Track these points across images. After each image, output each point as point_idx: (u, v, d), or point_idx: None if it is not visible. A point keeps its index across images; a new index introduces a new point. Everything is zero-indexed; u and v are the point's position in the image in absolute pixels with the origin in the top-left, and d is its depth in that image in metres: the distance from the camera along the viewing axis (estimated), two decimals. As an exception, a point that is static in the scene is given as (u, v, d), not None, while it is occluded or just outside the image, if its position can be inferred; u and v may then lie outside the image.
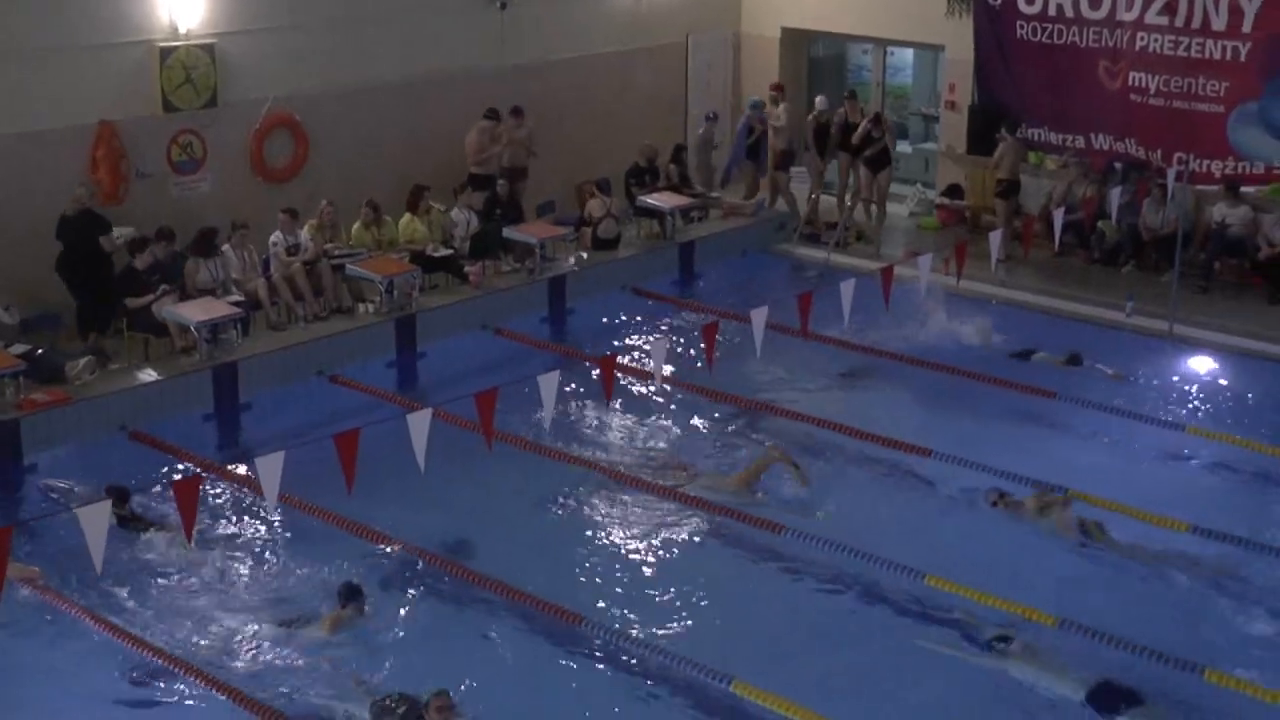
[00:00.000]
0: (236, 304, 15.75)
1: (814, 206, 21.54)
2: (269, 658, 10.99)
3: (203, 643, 11.17)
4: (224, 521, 13.05)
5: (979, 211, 21.47)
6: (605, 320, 18.28)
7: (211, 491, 13.33)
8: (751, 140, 21.88)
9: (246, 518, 13.08)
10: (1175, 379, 16.33)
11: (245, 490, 13.32)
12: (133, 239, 15.89)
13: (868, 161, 20.81)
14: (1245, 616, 11.61)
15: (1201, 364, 16.67)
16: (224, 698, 10.34)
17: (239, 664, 10.91)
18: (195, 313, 15.35)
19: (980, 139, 21.18)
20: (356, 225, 17.55)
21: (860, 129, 20.69)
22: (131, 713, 10.57)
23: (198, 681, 10.56)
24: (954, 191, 21.99)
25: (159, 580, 12.06)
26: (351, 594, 11.32)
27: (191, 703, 10.52)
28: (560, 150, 20.74)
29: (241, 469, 13.73)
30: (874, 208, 21.10)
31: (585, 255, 19.10)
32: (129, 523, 12.57)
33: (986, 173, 21.02)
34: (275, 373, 15.66)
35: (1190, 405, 15.59)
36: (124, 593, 11.79)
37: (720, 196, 21.66)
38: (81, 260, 15.77)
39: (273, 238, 16.74)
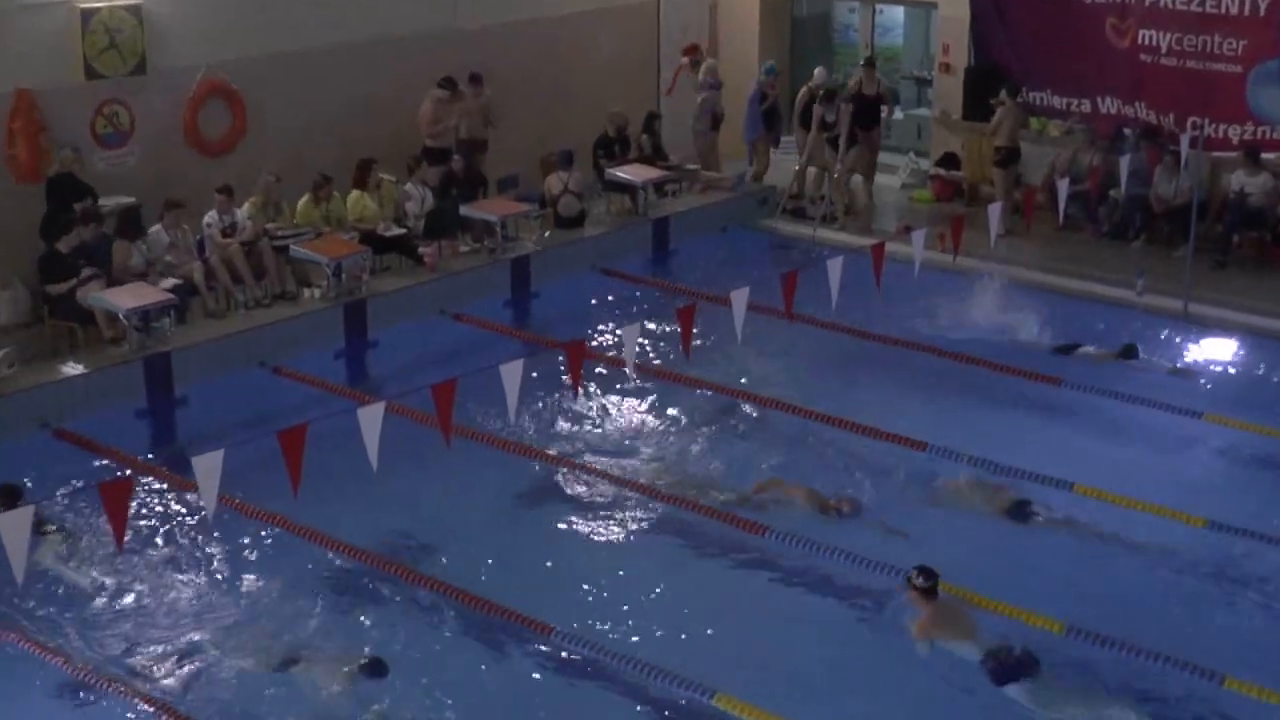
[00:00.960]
0: (170, 289, 15.64)
1: (800, 179, 21.54)
2: (200, 674, 10.95)
3: (127, 659, 11.12)
4: (156, 527, 12.96)
5: (977, 183, 21.50)
6: (572, 304, 18.23)
7: (143, 495, 13.23)
8: (765, 106, 21.87)
9: (181, 523, 12.99)
10: (1190, 362, 16.36)
11: (181, 493, 13.23)
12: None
13: (857, 119, 20.82)
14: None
15: (1219, 346, 16.70)
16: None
17: (167, 679, 10.85)
18: (125, 299, 15.24)
19: (977, 104, 21.19)
20: (303, 201, 17.46)
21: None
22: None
23: (131, 701, 10.50)
24: (949, 161, 22.01)
25: (79, 593, 11.98)
26: (376, 670, 10.81)
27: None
28: (522, 121, 20.68)
29: (176, 469, 13.65)
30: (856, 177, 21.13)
31: (548, 234, 19.06)
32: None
33: (984, 140, 21.03)
34: (213, 364, 15.58)
35: (1207, 390, 15.62)
36: (38, 605, 11.72)
37: (697, 168, 21.63)
38: (59, 229, 15.79)
39: (207, 218, 16.64)
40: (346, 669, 10.67)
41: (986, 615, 11.28)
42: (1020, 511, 13.00)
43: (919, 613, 11.02)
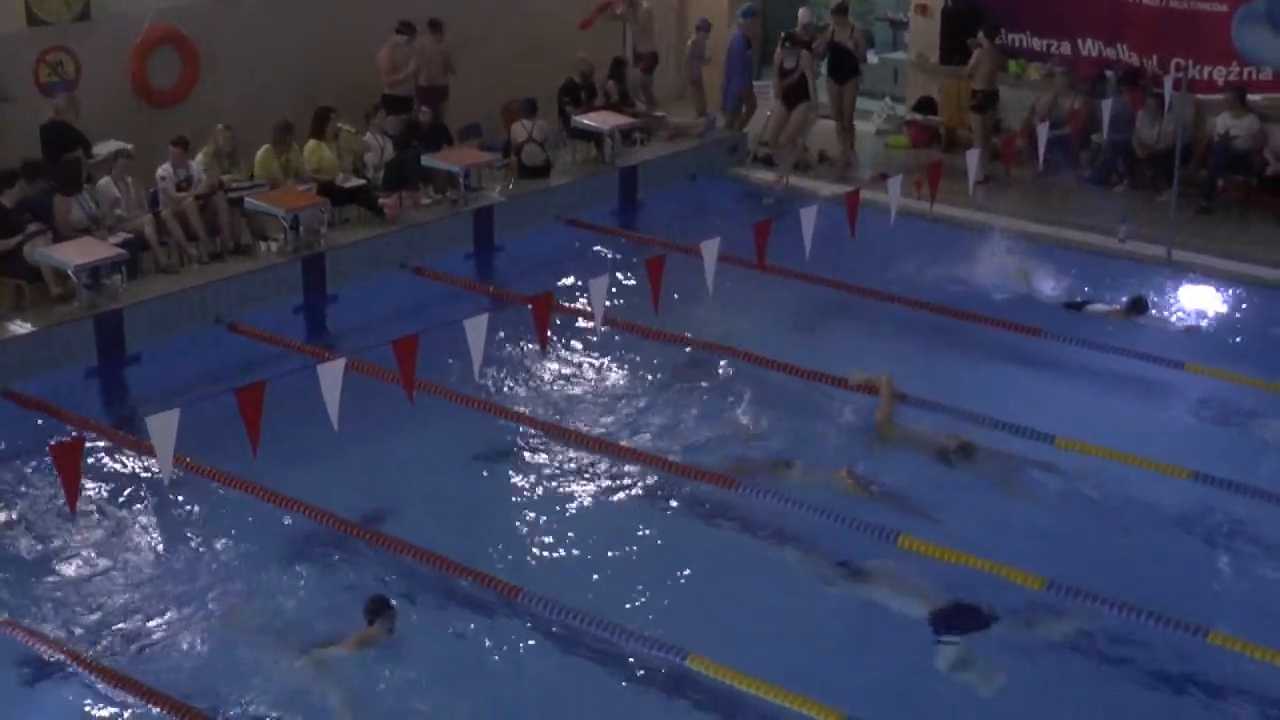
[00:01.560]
0: (120, 244, 15.59)
1: (775, 127, 21.52)
2: (152, 641, 10.99)
3: (77, 627, 11.14)
4: (110, 490, 12.96)
5: (954, 128, 21.54)
6: (538, 256, 18.22)
7: (96, 456, 13.23)
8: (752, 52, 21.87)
9: (135, 485, 12.99)
10: (1174, 310, 16.47)
11: (135, 454, 13.23)
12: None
13: (832, 71, 20.80)
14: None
15: (1203, 293, 16.81)
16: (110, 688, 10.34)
17: (117, 646, 10.88)
18: (73, 255, 15.18)
19: (955, 47, 21.24)
20: (262, 151, 17.39)
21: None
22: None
23: (88, 672, 10.53)
24: (926, 106, 22.05)
25: (28, 559, 12.00)
26: (379, 609, 10.73)
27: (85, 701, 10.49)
28: (485, 67, 20.62)
29: (130, 430, 13.64)
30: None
31: (512, 185, 19.04)
32: None
33: (961, 85, 21.07)
34: (166, 321, 15.55)
35: (1190, 339, 15.73)
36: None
37: (665, 115, 21.62)
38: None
39: (160, 171, 16.55)
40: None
41: (966, 571, 11.39)
42: (964, 452, 13.15)
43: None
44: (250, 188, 16.94)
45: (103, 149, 16.62)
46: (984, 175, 18.32)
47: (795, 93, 20.48)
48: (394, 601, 10.79)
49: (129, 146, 16.71)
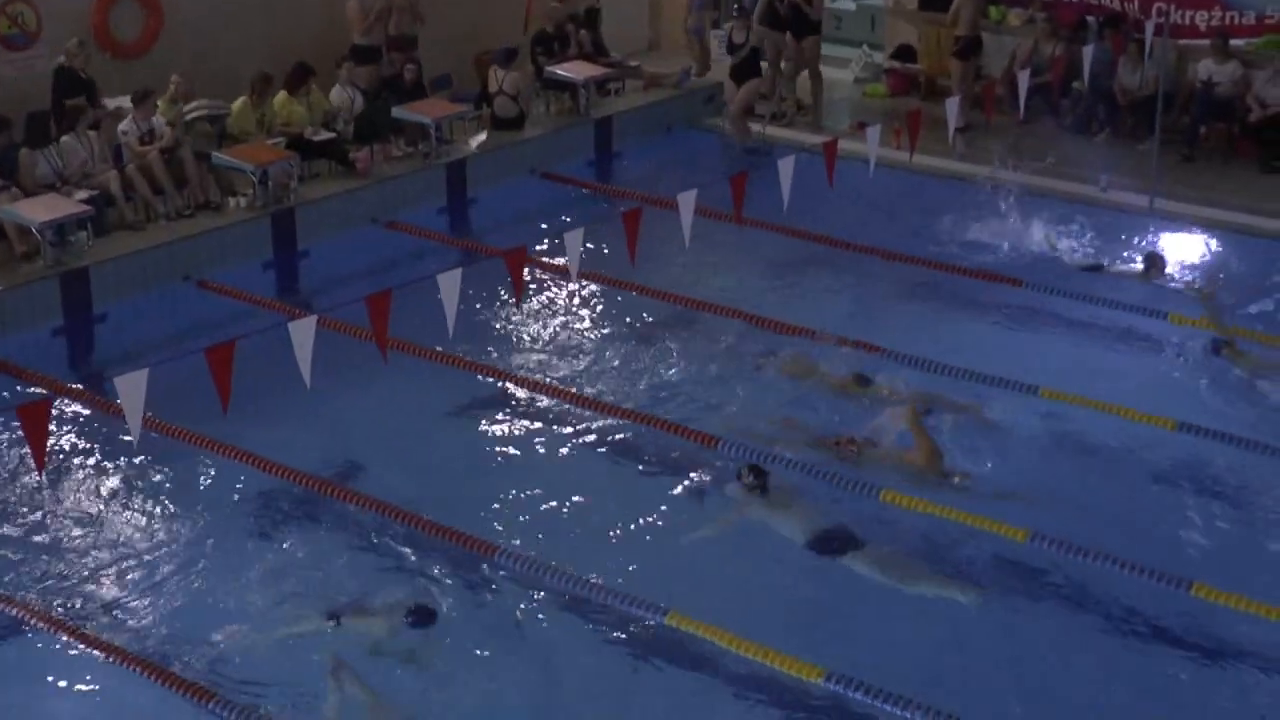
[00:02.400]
0: (86, 200, 15.49)
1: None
2: (122, 605, 10.96)
3: (46, 591, 11.10)
4: (78, 451, 12.92)
5: (934, 76, 21.49)
6: (512, 209, 18.18)
7: (64, 417, 13.17)
8: None
9: (105, 446, 12.94)
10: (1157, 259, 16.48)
11: (103, 414, 13.18)
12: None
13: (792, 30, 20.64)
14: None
15: (1186, 242, 16.81)
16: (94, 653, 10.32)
17: (92, 611, 10.86)
18: (37, 211, 15.08)
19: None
20: (239, 103, 17.29)
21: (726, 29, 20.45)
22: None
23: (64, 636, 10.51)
24: (905, 54, 22.00)
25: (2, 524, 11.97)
26: (424, 618, 10.53)
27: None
28: (455, 16, 20.49)
29: (98, 390, 13.58)
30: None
31: (485, 136, 18.95)
32: None
33: (941, 31, 21.01)
34: (134, 278, 15.47)
35: (1174, 289, 15.75)
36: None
37: (639, 65, 21.53)
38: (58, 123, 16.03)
39: (122, 126, 16.44)
40: (388, 622, 10.52)
41: (947, 524, 11.42)
42: (861, 384, 13.44)
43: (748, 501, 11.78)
44: (214, 112, 16.84)
45: (116, 101, 16.68)
46: (964, 123, 18.27)
47: (744, 69, 20.27)
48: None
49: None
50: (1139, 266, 16.03)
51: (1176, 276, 15.98)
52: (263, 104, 17.34)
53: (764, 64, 20.57)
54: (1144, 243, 16.72)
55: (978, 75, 20.47)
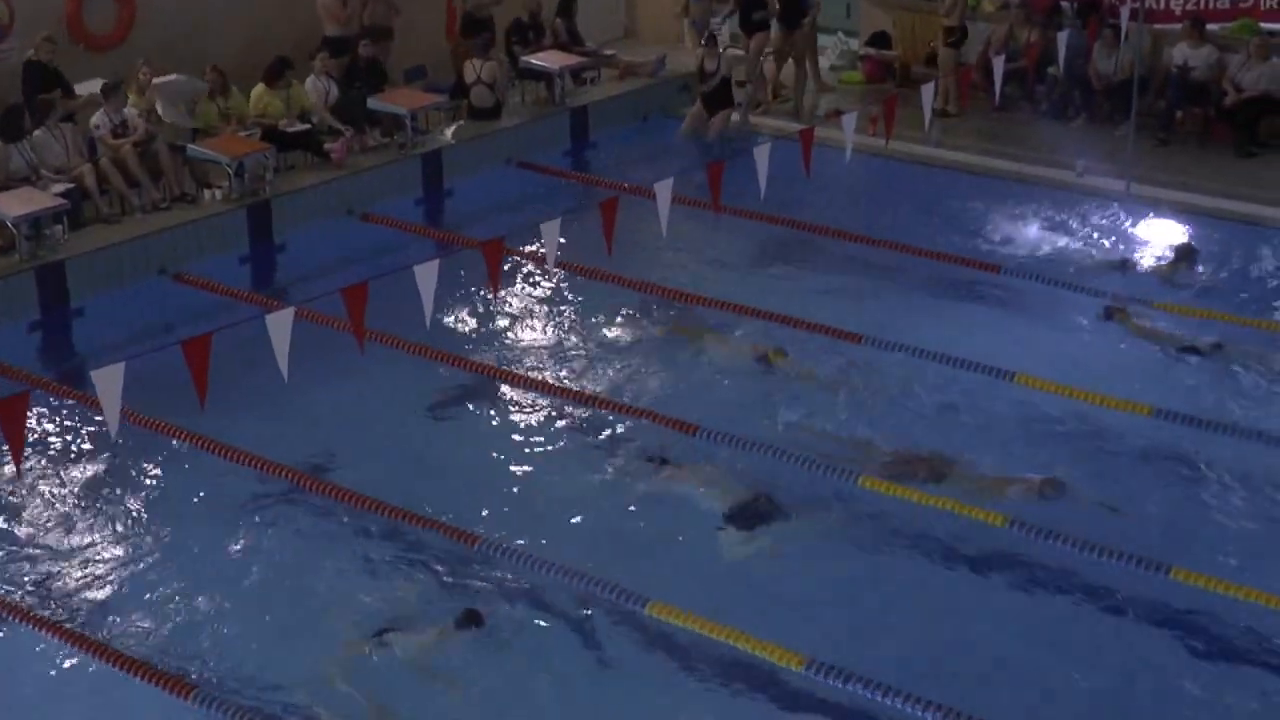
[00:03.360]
0: (61, 194, 15.46)
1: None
2: (99, 601, 10.98)
3: (18, 590, 11.08)
4: (56, 446, 12.91)
5: (909, 63, 21.50)
6: (488, 200, 18.19)
7: (41, 412, 13.16)
8: None
9: (83, 440, 12.94)
10: (1134, 245, 16.54)
11: (81, 408, 13.17)
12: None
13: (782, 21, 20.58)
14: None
15: (1162, 227, 16.87)
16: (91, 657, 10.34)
17: (75, 609, 10.86)
18: (12, 205, 15.06)
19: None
20: (202, 99, 17.27)
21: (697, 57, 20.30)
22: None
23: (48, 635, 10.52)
24: (880, 40, 22.01)
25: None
26: (470, 620, 10.41)
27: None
28: (430, 6, 20.47)
29: (75, 384, 13.57)
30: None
31: (460, 125, 18.94)
32: None
33: (916, 18, 21.02)
34: (110, 272, 15.46)
35: (1151, 275, 15.82)
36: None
37: (615, 54, 21.53)
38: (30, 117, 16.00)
39: (95, 119, 16.41)
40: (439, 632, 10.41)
41: (928, 511, 11.48)
42: (764, 360, 13.81)
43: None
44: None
45: (86, 89, 16.67)
46: (943, 106, 18.31)
47: (716, 97, 20.00)
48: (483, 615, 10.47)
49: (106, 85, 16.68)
50: (1168, 260, 15.93)
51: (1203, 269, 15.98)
52: (224, 96, 17.32)
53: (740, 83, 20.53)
54: (1122, 228, 16.77)
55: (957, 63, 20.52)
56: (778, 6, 20.53)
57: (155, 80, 17.10)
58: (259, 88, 17.66)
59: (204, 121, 17.15)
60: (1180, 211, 17.11)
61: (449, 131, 18.71)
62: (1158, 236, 16.68)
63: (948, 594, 10.93)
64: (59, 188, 15.60)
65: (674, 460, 12.31)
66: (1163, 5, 19.56)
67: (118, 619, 10.72)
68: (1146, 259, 16.23)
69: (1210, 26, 19.15)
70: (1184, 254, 15.94)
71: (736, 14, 20.60)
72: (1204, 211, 17.06)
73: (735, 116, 20.14)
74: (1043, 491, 11.72)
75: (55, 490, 12.31)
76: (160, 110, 17.18)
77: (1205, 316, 14.53)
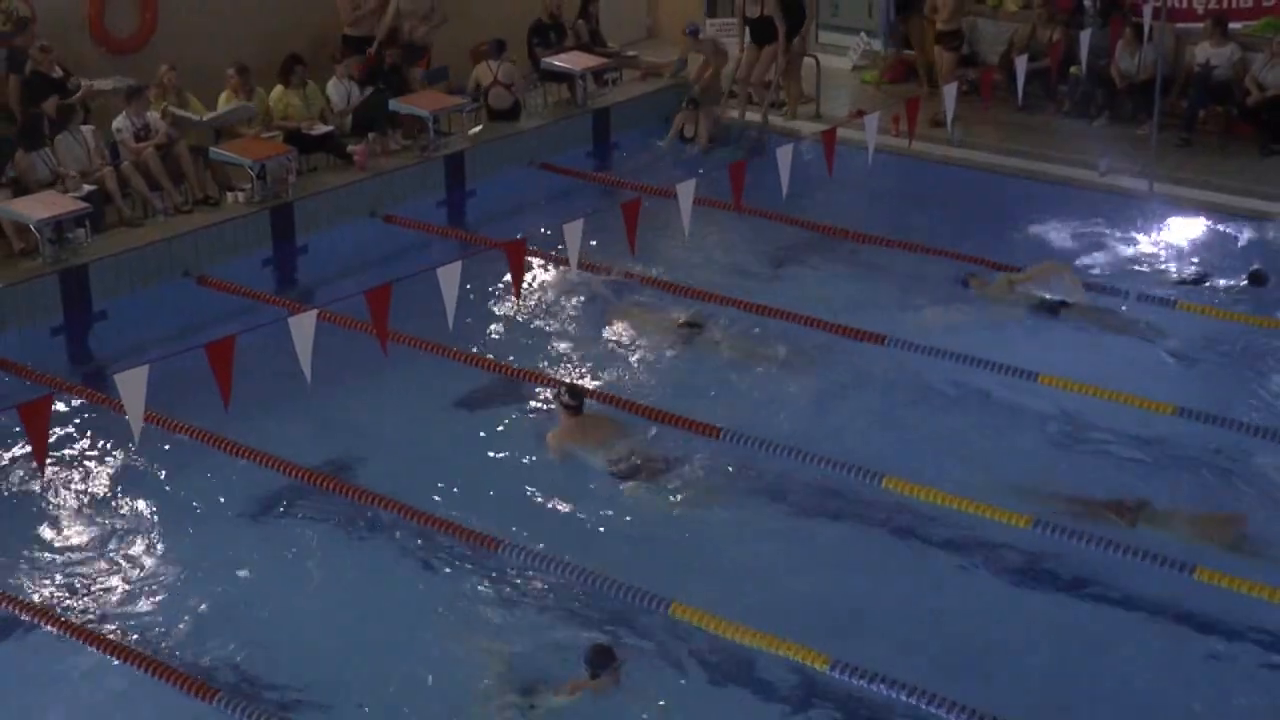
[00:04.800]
0: (83, 197, 15.47)
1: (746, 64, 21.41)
2: (123, 602, 10.98)
3: (43, 591, 11.11)
4: (80, 449, 12.91)
5: (931, 63, 21.41)
6: (510, 201, 18.18)
7: (65, 415, 13.15)
8: None
9: (106, 443, 12.93)
10: (1158, 245, 16.45)
11: (104, 411, 13.17)
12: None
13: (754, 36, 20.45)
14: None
15: (1186, 226, 16.76)
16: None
17: (93, 616, 10.85)
18: (35, 209, 15.07)
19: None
20: (223, 95, 17.27)
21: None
22: None
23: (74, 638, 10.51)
24: (902, 41, 21.92)
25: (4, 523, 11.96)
26: (603, 660, 9.81)
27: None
28: (452, 9, 20.45)
29: (98, 387, 13.57)
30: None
31: (481, 128, 18.92)
32: None
33: (925, 21, 20.94)
34: (133, 275, 15.47)
35: (1177, 275, 15.73)
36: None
37: (637, 55, 21.50)
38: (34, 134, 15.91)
39: (116, 123, 16.41)
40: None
41: (954, 513, 11.42)
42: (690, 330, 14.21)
43: (557, 425, 12.50)
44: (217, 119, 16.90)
45: (105, 83, 16.78)
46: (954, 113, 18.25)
47: (763, 31, 20.14)
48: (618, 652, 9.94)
49: (131, 82, 16.75)
50: (1242, 281, 15.58)
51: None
52: (247, 95, 17.30)
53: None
54: (1146, 228, 16.66)
55: (972, 63, 20.41)
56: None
57: (207, 116, 17.05)
58: (278, 89, 17.67)
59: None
60: (1203, 210, 17.01)
61: (472, 132, 18.68)
62: (1181, 236, 16.58)
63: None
64: (82, 191, 15.60)
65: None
66: (1185, 4, 19.45)
67: (135, 621, 10.74)
68: (1219, 275, 15.87)
69: (1233, 25, 19.05)
70: (1256, 278, 15.46)
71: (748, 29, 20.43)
72: (1228, 210, 16.95)
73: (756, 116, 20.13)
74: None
75: (78, 493, 12.31)
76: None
77: (1232, 319, 14.53)
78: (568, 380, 13.56)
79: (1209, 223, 16.85)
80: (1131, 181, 17.45)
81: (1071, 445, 12.69)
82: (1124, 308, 14.78)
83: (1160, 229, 16.71)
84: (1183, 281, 15.68)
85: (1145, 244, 16.44)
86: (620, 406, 13.16)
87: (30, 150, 15.69)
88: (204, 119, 16.94)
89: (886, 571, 11.16)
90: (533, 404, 13.50)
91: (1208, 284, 15.60)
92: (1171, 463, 12.35)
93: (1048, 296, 14.79)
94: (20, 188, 15.46)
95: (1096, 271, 15.64)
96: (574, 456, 12.46)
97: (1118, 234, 16.58)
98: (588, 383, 13.67)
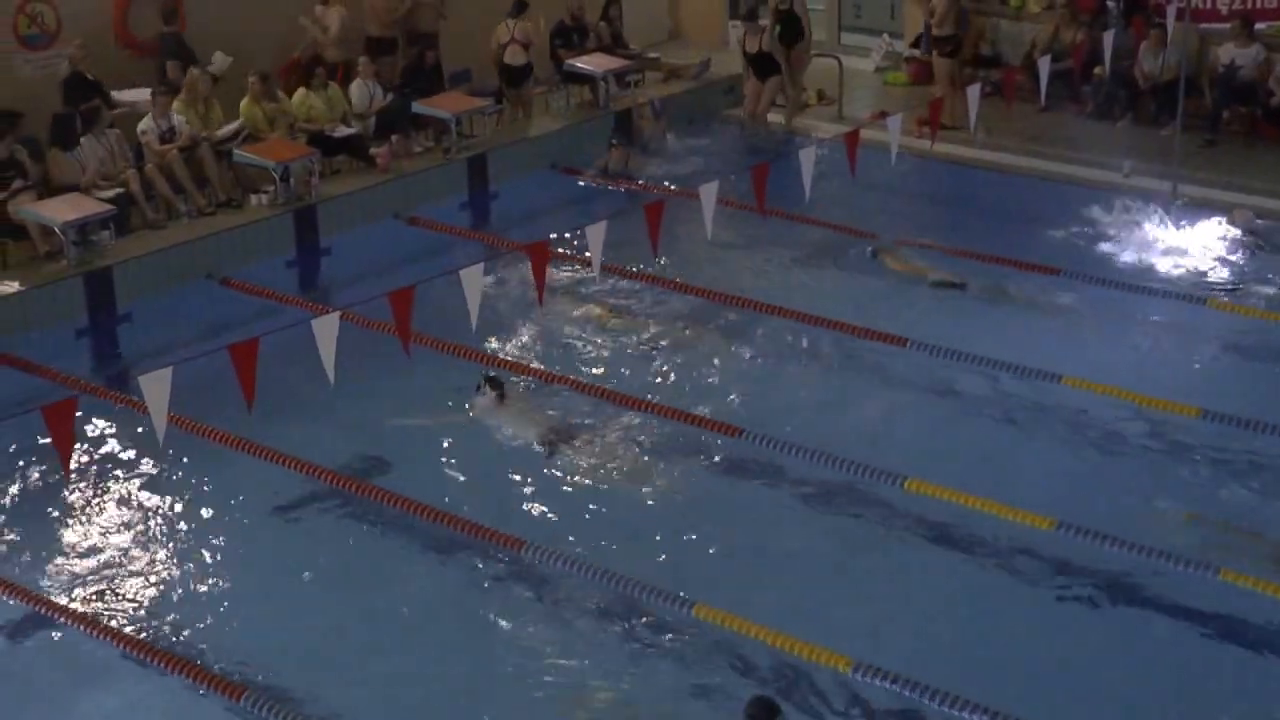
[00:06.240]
0: (111, 199, 15.51)
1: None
2: (156, 602, 10.99)
3: (72, 588, 11.14)
4: (105, 451, 12.94)
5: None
6: (533, 203, 18.18)
7: (89, 417, 13.19)
8: None
9: (130, 445, 12.96)
10: (1183, 246, 16.37)
11: (129, 413, 13.19)
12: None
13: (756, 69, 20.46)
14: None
15: (1211, 227, 16.69)
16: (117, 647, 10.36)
17: (123, 613, 10.89)
18: (60, 211, 15.12)
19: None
20: (245, 101, 17.30)
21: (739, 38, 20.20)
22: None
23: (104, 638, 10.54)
24: (924, 41, 21.88)
25: (30, 524, 12.00)
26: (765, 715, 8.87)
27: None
28: (474, 10, 20.47)
29: (123, 389, 13.60)
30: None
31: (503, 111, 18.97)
32: None
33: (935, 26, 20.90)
34: (157, 277, 15.50)
35: (1204, 276, 15.68)
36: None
37: (659, 56, 21.50)
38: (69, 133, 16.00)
39: (141, 125, 16.46)
40: None
41: (977, 514, 11.40)
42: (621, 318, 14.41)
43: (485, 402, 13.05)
44: (235, 137, 16.87)
45: (132, 96, 16.83)
46: (950, 119, 18.23)
47: (764, 67, 20.14)
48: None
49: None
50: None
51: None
52: (269, 99, 17.33)
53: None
54: (1171, 229, 16.57)
55: (995, 64, 20.37)
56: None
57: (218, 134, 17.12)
58: (300, 91, 17.70)
59: (251, 126, 17.14)
60: (1227, 211, 16.93)
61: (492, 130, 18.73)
62: (1205, 237, 16.51)
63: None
64: (107, 194, 15.64)
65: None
66: (1209, 4, 19.33)
67: (159, 620, 10.78)
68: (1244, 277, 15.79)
69: (1257, 26, 18.97)
70: None
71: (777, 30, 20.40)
72: (1253, 211, 16.86)
73: (779, 118, 20.13)
74: None
75: (101, 494, 12.35)
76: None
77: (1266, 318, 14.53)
78: (585, 381, 13.59)
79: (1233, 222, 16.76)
80: (1155, 183, 17.38)
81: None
82: (1150, 308, 14.72)
83: (1184, 230, 16.63)
84: (1218, 287, 15.54)
85: (1169, 245, 16.35)
86: (634, 406, 13.18)
87: (66, 149, 15.74)
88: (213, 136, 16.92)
89: (909, 572, 11.16)
90: (548, 404, 13.45)
91: (1239, 288, 15.51)
92: (1198, 466, 12.32)
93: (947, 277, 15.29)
94: (48, 189, 15.50)
95: (1119, 271, 15.57)
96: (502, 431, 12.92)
97: (1141, 235, 16.51)
98: (604, 382, 13.66)
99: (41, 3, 16.92)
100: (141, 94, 16.88)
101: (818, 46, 21.05)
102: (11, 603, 10.86)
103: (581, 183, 18.71)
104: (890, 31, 23.05)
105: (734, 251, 16.40)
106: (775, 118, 20.28)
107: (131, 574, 11.31)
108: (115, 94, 17.00)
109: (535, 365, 14.13)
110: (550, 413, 13.10)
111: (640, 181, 18.49)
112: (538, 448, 12.64)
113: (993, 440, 12.79)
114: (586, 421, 13.15)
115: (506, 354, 14.35)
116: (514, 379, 13.63)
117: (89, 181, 15.69)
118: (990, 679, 9.84)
